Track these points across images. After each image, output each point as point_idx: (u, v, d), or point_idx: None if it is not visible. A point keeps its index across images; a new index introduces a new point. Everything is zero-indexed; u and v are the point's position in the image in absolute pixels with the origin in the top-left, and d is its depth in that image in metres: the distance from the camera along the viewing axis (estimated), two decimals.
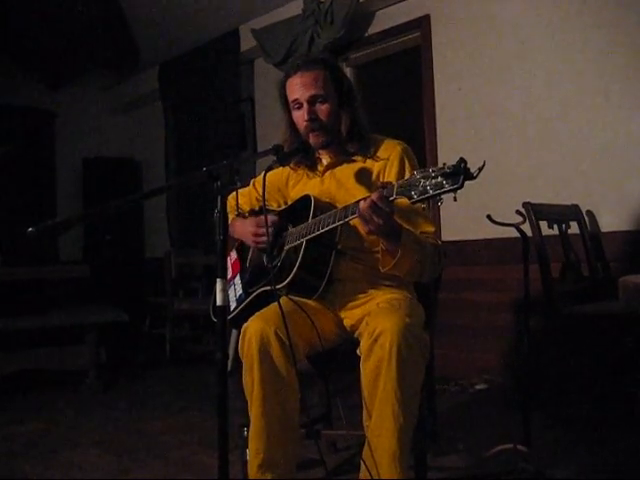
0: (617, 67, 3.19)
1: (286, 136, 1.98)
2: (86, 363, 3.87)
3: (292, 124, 1.97)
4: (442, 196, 1.41)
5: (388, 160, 1.91)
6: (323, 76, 1.90)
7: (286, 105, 1.97)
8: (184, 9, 4.86)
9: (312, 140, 1.91)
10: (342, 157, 1.97)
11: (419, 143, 3.93)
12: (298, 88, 1.90)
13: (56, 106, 6.21)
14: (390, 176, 1.87)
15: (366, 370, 1.63)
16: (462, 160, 1.37)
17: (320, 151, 2.00)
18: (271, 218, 1.91)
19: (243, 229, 2.04)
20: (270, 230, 1.87)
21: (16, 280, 3.97)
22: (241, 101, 5.31)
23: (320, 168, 2.02)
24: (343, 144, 1.95)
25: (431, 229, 1.86)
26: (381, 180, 1.88)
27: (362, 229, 1.64)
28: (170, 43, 5.50)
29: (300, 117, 1.92)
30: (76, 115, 6.40)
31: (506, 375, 3.52)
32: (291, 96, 1.93)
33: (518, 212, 2.59)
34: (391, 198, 1.52)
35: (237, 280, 2.11)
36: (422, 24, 4.03)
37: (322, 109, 1.90)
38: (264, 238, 1.93)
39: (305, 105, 1.89)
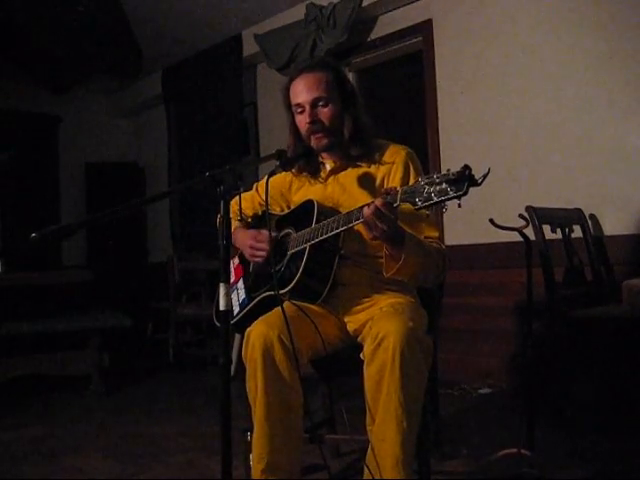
0: (621, 72, 3.19)
1: (290, 141, 1.98)
2: (89, 368, 3.88)
3: (296, 129, 1.96)
4: (446, 202, 1.41)
5: (393, 165, 1.90)
6: (326, 79, 1.89)
7: (290, 109, 1.96)
8: (187, 14, 4.87)
9: (314, 143, 1.90)
10: (346, 162, 1.96)
11: (421, 147, 3.93)
12: (300, 91, 1.89)
13: (60, 111, 6.24)
14: (395, 181, 1.87)
15: (369, 374, 1.63)
16: (466, 167, 1.36)
17: (323, 155, 2.00)
18: (267, 234, 1.87)
19: (242, 241, 2.02)
20: (268, 245, 1.87)
21: (19, 285, 3.98)
22: (244, 106, 5.32)
23: (323, 174, 2.01)
24: (346, 148, 1.93)
25: (435, 234, 1.85)
26: (385, 185, 1.87)
27: (366, 235, 1.64)
28: (173, 48, 5.52)
29: (302, 120, 1.91)
30: (79, 120, 6.43)
31: (509, 379, 3.52)
32: (294, 100, 1.92)
33: (521, 216, 2.59)
34: (395, 204, 1.51)
35: (240, 284, 2.11)
36: (424, 29, 4.04)
37: (324, 112, 1.89)
38: (261, 252, 1.93)
39: (307, 108, 1.88)
